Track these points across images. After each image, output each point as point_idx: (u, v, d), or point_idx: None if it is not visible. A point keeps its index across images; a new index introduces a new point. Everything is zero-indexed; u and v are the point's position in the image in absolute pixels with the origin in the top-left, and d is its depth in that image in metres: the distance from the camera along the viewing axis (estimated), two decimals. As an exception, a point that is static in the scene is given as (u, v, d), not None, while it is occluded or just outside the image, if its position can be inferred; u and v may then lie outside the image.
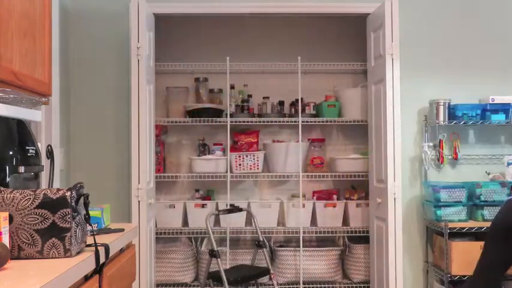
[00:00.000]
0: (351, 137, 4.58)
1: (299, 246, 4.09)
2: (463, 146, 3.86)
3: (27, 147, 2.02)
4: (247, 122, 4.30)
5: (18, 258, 1.63)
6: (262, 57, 4.41)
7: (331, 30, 4.55)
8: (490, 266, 2.82)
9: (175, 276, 4.14)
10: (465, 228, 3.53)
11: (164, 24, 4.06)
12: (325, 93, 4.45)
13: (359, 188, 4.40)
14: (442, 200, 3.56)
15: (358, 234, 4.18)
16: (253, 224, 3.96)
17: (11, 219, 1.63)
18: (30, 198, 1.65)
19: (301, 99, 4.26)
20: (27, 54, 2.01)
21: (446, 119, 3.74)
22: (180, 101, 4.37)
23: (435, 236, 3.76)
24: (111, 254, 1.90)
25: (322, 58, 4.37)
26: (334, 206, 4.24)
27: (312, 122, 4.35)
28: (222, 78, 4.24)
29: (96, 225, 2.21)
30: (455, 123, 3.73)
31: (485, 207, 3.55)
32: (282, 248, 4.23)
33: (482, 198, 3.55)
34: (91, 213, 1.80)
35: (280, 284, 4.09)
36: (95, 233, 1.80)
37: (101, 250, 1.79)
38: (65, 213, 1.65)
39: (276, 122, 4.37)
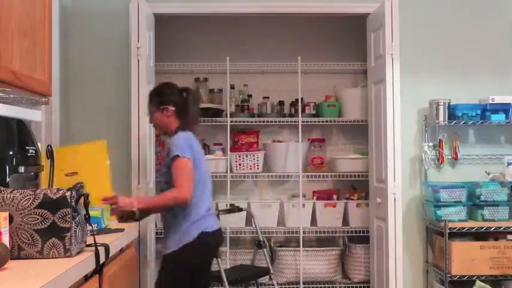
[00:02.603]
0: (351, 137, 4.58)
1: (299, 246, 4.08)
2: (463, 146, 3.85)
3: (27, 147, 2.02)
4: (247, 122, 4.30)
5: (18, 258, 1.63)
6: (262, 57, 4.41)
7: (331, 30, 4.55)
8: None
9: (175, 276, 4.13)
10: (465, 228, 3.53)
11: (164, 24, 4.06)
12: (325, 93, 4.44)
13: (359, 188, 4.40)
14: (442, 200, 3.56)
15: (358, 234, 4.18)
16: (253, 224, 3.96)
17: (11, 219, 1.63)
18: (30, 198, 1.65)
19: (301, 99, 4.26)
20: (27, 54, 2.01)
21: (446, 119, 3.74)
22: (180, 101, 4.37)
23: (435, 236, 3.76)
24: (111, 254, 1.90)
25: (322, 58, 4.37)
26: (334, 206, 4.25)
27: (312, 122, 4.35)
28: (222, 78, 4.23)
29: (96, 225, 2.21)
30: (455, 123, 3.73)
31: (485, 207, 3.55)
32: (282, 248, 4.22)
33: (482, 198, 3.55)
34: (91, 213, 1.80)
35: (280, 284, 4.08)
36: (95, 233, 1.80)
37: (101, 250, 1.80)
38: (65, 213, 1.65)
39: (276, 122, 4.37)
